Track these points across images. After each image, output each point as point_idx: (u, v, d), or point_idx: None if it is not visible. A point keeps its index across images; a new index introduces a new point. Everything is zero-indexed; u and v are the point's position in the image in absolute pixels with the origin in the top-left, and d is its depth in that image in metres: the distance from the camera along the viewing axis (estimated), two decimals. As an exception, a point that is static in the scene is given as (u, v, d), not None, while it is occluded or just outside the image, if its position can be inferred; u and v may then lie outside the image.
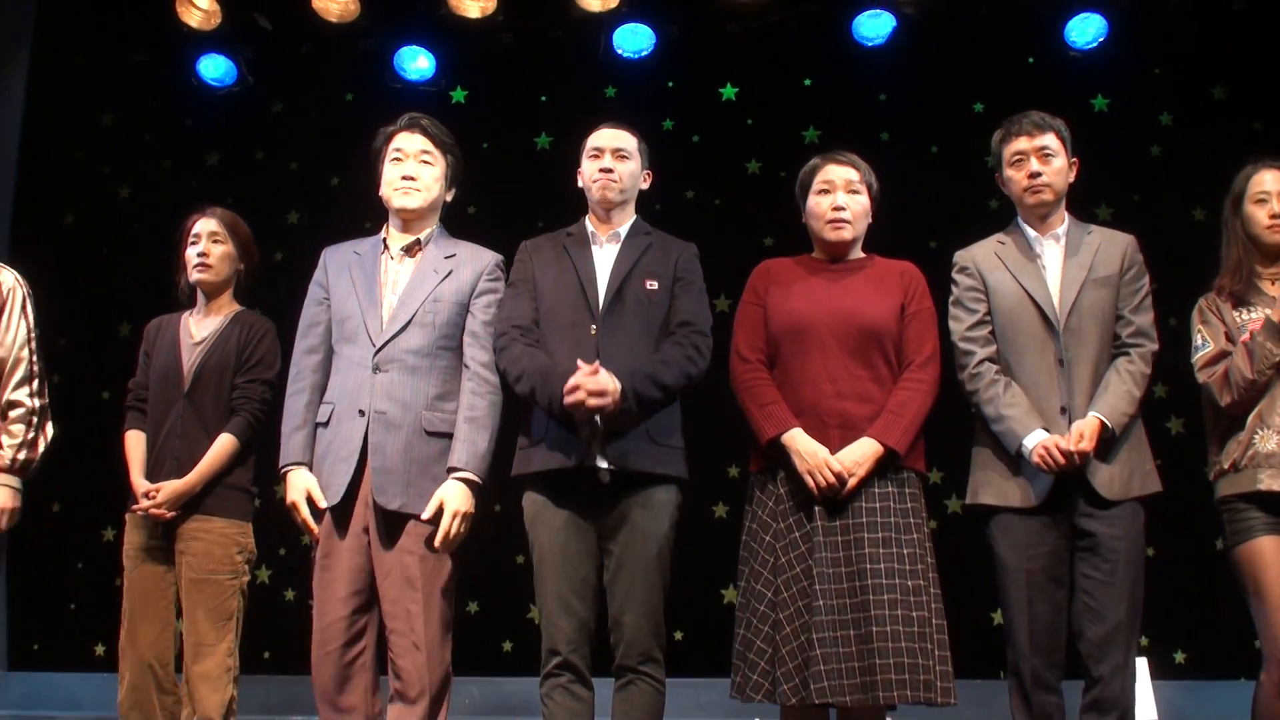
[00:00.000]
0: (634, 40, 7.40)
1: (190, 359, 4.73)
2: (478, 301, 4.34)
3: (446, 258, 4.38)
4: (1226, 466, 4.28)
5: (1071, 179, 4.47)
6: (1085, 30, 7.15)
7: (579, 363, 4.05)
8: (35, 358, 4.33)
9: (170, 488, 4.57)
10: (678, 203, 7.44)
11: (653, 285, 4.29)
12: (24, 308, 4.36)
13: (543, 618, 4.19)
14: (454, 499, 4.13)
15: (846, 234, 4.31)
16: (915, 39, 7.28)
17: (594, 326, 4.21)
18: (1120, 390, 4.17)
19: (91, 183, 7.94)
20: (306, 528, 4.22)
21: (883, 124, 7.51)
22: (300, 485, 4.23)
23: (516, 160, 7.65)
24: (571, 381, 4.02)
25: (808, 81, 7.68)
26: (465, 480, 4.16)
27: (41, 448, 4.32)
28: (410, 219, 4.40)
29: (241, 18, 7.45)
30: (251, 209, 7.49)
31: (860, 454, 4.03)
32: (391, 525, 4.16)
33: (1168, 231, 6.85)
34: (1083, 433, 4.10)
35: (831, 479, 4.00)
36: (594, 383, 4.00)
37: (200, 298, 4.88)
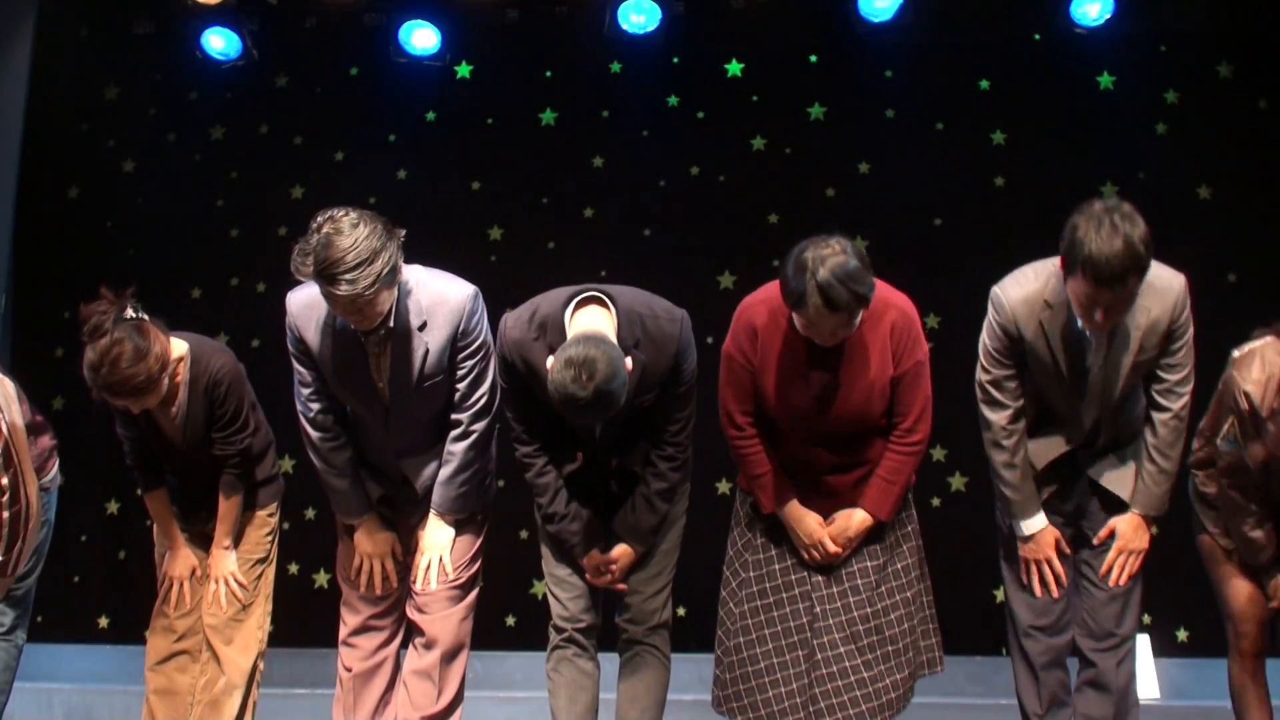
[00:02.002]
0: (639, 16, 7.37)
1: (175, 431, 4.56)
2: (457, 357, 4.15)
3: (419, 330, 4.09)
4: (1201, 479, 4.36)
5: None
6: (1091, 8, 7.12)
7: (591, 564, 4.13)
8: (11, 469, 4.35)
9: (226, 562, 4.61)
10: (682, 179, 7.43)
11: (647, 399, 4.01)
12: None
13: (550, 596, 4.24)
14: (433, 543, 4.26)
15: (831, 342, 3.82)
16: (921, 16, 7.26)
17: (590, 453, 4.16)
18: (1154, 477, 4.09)
19: (96, 156, 7.92)
20: (389, 582, 4.36)
21: (888, 101, 7.50)
22: (384, 540, 4.35)
23: (521, 136, 7.63)
24: (596, 581, 4.16)
25: (813, 58, 7.66)
26: (441, 516, 4.28)
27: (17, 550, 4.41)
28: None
29: (246, -9, 7.44)
30: (255, 183, 7.52)
31: (855, 530, 4.01)
32: (423, 505, 4.31)
33: (1173, 210, 6.85)
34: (1115, 528, 4.12)
35: (827, 557, 4.02)
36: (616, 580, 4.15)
37: None
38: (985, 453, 4.21)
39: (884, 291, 3.89)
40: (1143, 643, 6.27)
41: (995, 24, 7.36)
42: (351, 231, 3.80)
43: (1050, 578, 4.13)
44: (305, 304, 4.14)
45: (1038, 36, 7.44)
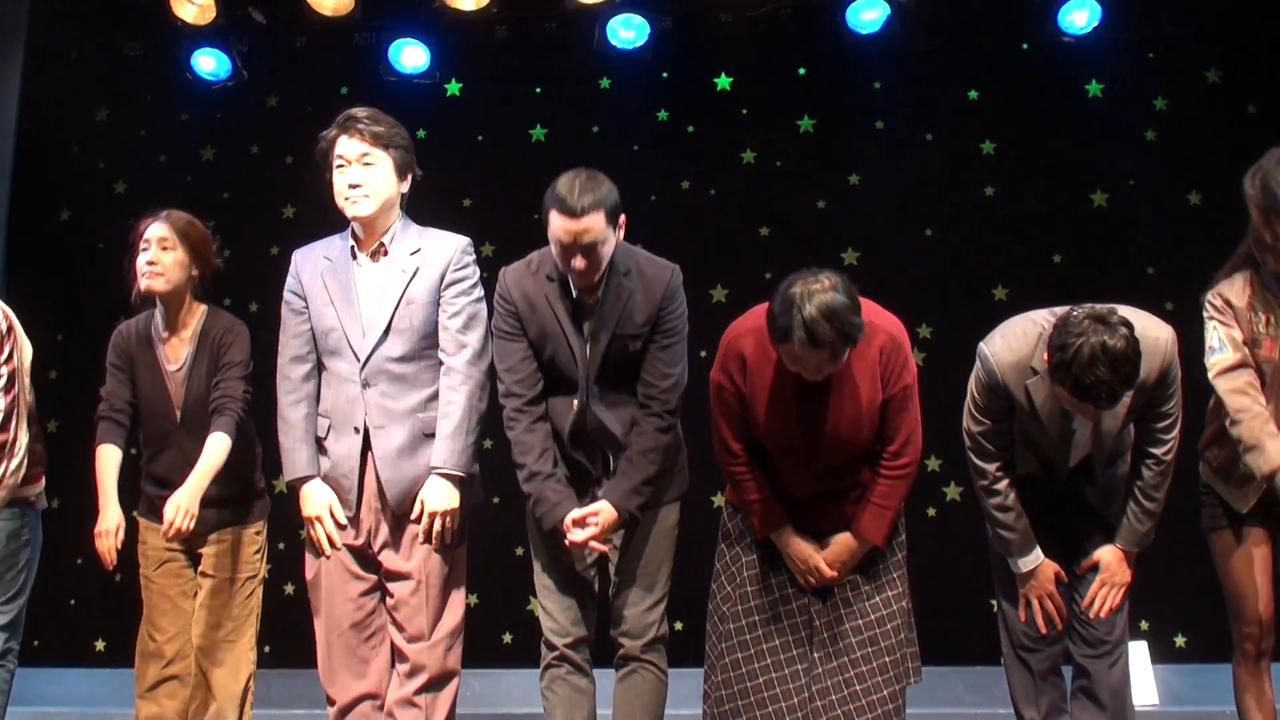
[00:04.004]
0: (628, 31, 7.38)
1: (176, 389, 4.67)
2: (447, 293, 4.29)
3: (412, 254, 4.31)
4: (1215, 456, 4.33)
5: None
6: (1078, 16, 7.14)
7: (572, 520, 4.03)
8: (11, 393, 4.34)
9: (183, 500, 4.41)
10: (672, 193, 7.44)
11: (636, 346, 4.13)
12: (5, 336, 4.38)
13: (541, 610, 4.21)
14: (432, 499, 4.17)
15: (817, 378, 3.79)
16: (909, 27, 7.28)
17: (582, 395, 4.14)
18: (1138, 515, 4.11)
19: (87, 178, 7.93)
20: (330, 543, 4.26)
21: (877, 113, 7.52)
22: (322, 500, 4.26)
23: (511, 152, 7.65)
24: (575, 537, 4.03)
25: (802, 71, 7.68)
26: (446, 476, 4.18)
27: (6, 482, 4.39)
28: (367, 224, 4.31)
29: (236, 12, 7.45)
30: (246, 203, 7.53)
31: (849, 555, 3.98)
32: (397, 530, 4.23)
33: (1163, 216, 6.87)
34: (1099, 560, 4.14)
35: (820, 582, 4.00)
36: (596, 541, 4.05)
37: (159, 305, 4.75)
38: (977, 497, 4.24)
39: (873, 314, 3.86)
40: (1141, 649, 6.28)
41: (983, 33, 7.38)
42: None
43: (1052, 611, 4.13)
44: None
45: (1026, 45, 7.46)
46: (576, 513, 4.03)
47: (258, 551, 4.73)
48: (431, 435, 4.21)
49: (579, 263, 3.95)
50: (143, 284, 4.68)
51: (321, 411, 4.32)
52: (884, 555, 4.06)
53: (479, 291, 4.36)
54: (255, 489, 4.77)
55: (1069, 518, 4.22)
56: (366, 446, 4.22)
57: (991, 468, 4.13)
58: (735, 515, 4.18)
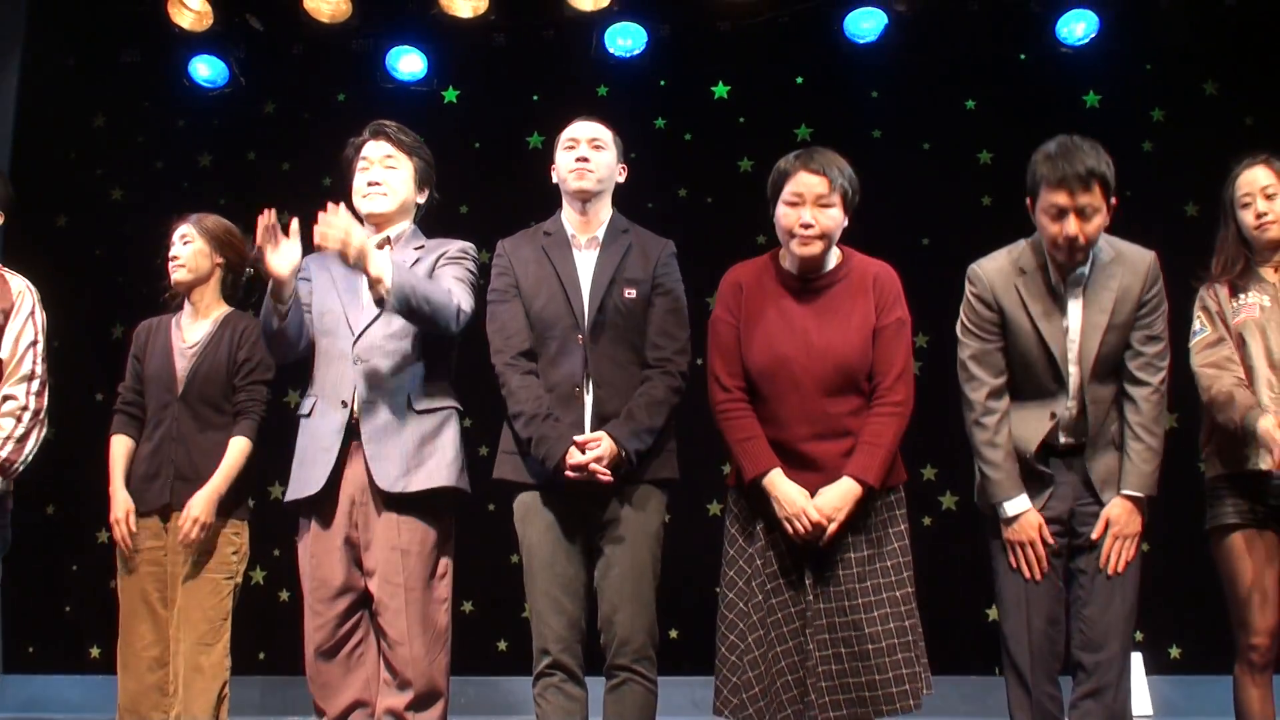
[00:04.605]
0: (626, 39, 7.39)
1: (183, 364, 4.73)
2: (442, 270, 4.34)
3: (415, 249, 4.42)
4: (1219, 447, 4.33)
5: (1107, 223, 4.11)
6: (1076, 27, 7.15)
7: (575, 446, 4.08)
8: (39, 361, 4.33)
9: (201, 502, 4.53)
10: (670, 201, 7.45)
11: (631, 294, 4.26)
12: (32, 312, 4.37)
13: (534, 617, 4.21)
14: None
15: (814, 249, 4.09)
16: (907, 36, 7.28)
17: (581, 337, 4.21)
18: (1142, 452, 4.09)
19: (84, 185, 7.92)
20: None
21: (874, 122, 7.53)
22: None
23: (508, 160, 7.64)
24: (576, 460, 4.05)
25: (799, 79, 7.69)
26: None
27: (29, 449, 4.27)
28: (379, 222, 4.43)
29: (233, 19, 7.43)
30: (244, 210, 7.51)
31: (840, 498, 3.96)
32: (381, 517, 4.20)
33: (1160, 228, 6.87)
34: (1109, 518, 4.08)
35: (810, 527, 3.95)
36: (598, 465, 4.05)
37: (186, 301, 4.88)
38: (968, 436, 4.23)
39: (867, 259, 4.23)
40: (1135, 660, 6.27)
41: (981, 43, 7.37)
42: None
43: (1033, 560, 4.09)
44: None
45: (1024, 56, 7.47)
46: (579, 438, 4.08)
47: (235, 553, 4.68)
48: (423, 411, 4.25)
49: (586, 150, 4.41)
50: (170, 279, 4.85)
51: (311, 391, 4.36)
52: (879, 540, 4.03)
53: (473, 267, 4.45)
54: (244, 482, 4.73)
55: (1075, 505, 4.16)
56: (354, 423, 4.23)
57: (980, 396, 4.16)
58: (739, 504, 4.16)
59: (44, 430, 4.34)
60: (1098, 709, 4.08)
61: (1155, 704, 6.30)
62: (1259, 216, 4.37)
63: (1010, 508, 4.12)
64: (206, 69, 7.58)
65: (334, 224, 4.00)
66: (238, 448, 4.64)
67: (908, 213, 7.18)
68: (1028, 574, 4.11)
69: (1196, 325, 4.40)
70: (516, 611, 6.64)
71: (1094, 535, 4.10)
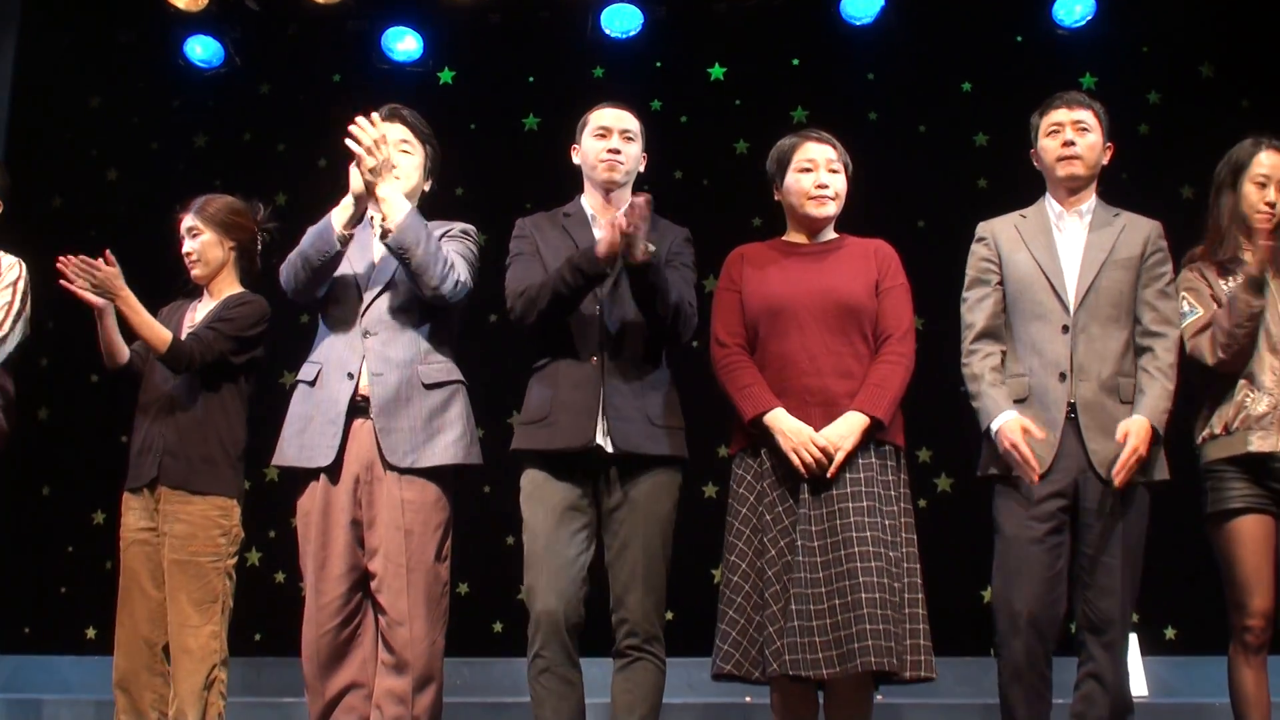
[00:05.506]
0: (622, 20, 7.39)
1: (182, 334, 4.69)
2: (443, 244, 4.32)
3: None
4: (1218, 430, 4.34)
5: (1105, 162, 4.48)
6: (1073, 9, 7.14)
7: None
8: (8, 320, 4.34)
9: (111, 276, 4.58)
10: (666, 183, 7.42)
11: (654, 248, 4.19)
12: (15, 282, 4.40)
13: (531, 597, 4.15)
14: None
15: (830, 209, 4.31)
16: (903, 18, 7.28)
17: (598, 309, 4.22)
18: (1157, 389, 4.16)
19: (79, 165, 7.91)
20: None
21: (871, 104, 7.52)
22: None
23: (504, 141, 7.64)
24: (619, 216, 3.99)
25: (796, 61, 7.68)
26: None
27: None
28: None
29: (229, -1, 7.43)
30: (239, 190, 7.50)
31: (846, 428, 3.98)
32: (386, 495, 4.18)
33: (1156, 210, 6.86)
34: (1128, 431, 4.09)
35: (818, 454, 3.94)
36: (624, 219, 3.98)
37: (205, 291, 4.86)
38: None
39: (864, 239, 4.41)
40: (1131, 641, 6.28)
41: (977, 26, 7.37)
42: None
43: (1028, 458, 4.08)
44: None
45: (1020, 38, 7.46)
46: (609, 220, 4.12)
47: (223, 535, 4.55)
48: (430, 386, 4.25)
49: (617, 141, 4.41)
50: (191, 275, 4.83)
51: (314, 359, 4.36)
52: (880, 496, 4.00)
53: (474, 247, 4.49)
54: (229, 459, 4.61)
55: (1080, 479, 4.18)
56: (361, 395, 4.24)
57: (969, 336, 4.38)
58: (742, 462, 4.17)
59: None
60: (1101, 689, 4.13)
61: (1151, 685, 6.31)
62: (1269, 205, 4.39)
63: (996, 423, 4.17)
64: (202, 49, 7.56)
65: (372, 132, 4.12)
66: (160, 329, 4.52)
67: (904, 196, 7.17)
68: (1026, 478, 4.12)
69: (1184, 307, 4.40)
70: (512, 593, 6.65)
71: (1119, 436, 4.10)
